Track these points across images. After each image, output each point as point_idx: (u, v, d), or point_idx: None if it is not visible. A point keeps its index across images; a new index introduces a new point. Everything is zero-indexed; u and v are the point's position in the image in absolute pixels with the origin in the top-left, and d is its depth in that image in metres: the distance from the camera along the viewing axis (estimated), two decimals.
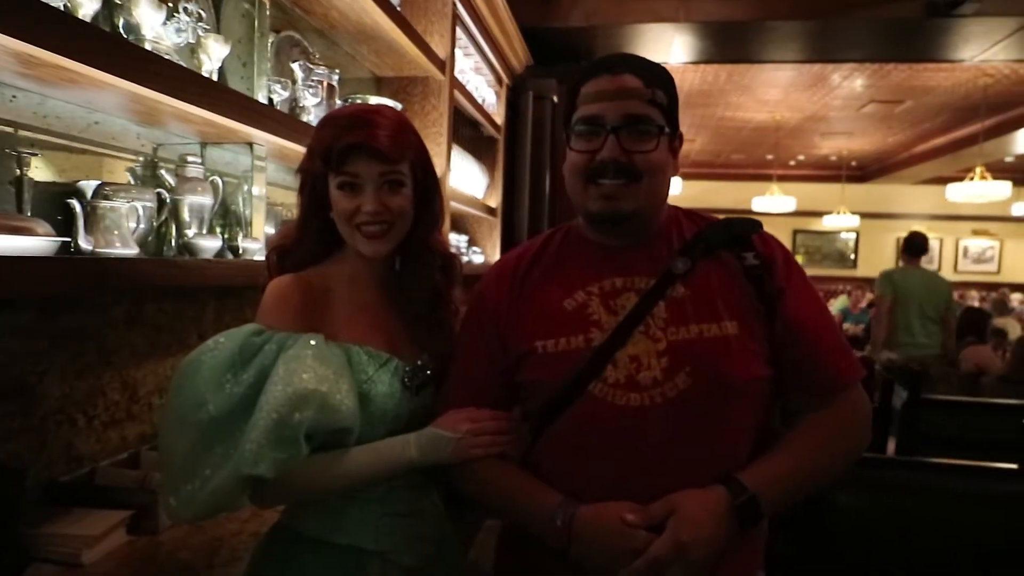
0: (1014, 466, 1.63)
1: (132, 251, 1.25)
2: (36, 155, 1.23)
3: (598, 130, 1.09)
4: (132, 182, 1.44)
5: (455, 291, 1.27)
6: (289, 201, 2.05)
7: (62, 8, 1.09)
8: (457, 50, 2.91)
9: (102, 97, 1.28)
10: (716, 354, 1.06)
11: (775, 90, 7.63)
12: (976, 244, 13.04)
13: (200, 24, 1.48)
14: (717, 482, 1.03)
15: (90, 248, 1.17)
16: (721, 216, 1.21)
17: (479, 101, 3.39)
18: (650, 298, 1.09)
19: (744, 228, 1.16)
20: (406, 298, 1.22)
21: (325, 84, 1.97)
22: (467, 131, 3.47)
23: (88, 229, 1.18)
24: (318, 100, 1.92)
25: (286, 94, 1.82)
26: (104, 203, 1.21)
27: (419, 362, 1.19)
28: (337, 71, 2.05)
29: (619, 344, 1.08)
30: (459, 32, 2.94)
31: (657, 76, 1.11)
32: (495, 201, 3.85)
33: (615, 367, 1.07)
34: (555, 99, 4.32)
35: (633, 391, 1.06)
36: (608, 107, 1.08)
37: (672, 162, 1.15)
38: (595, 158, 1.09)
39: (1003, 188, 8.06)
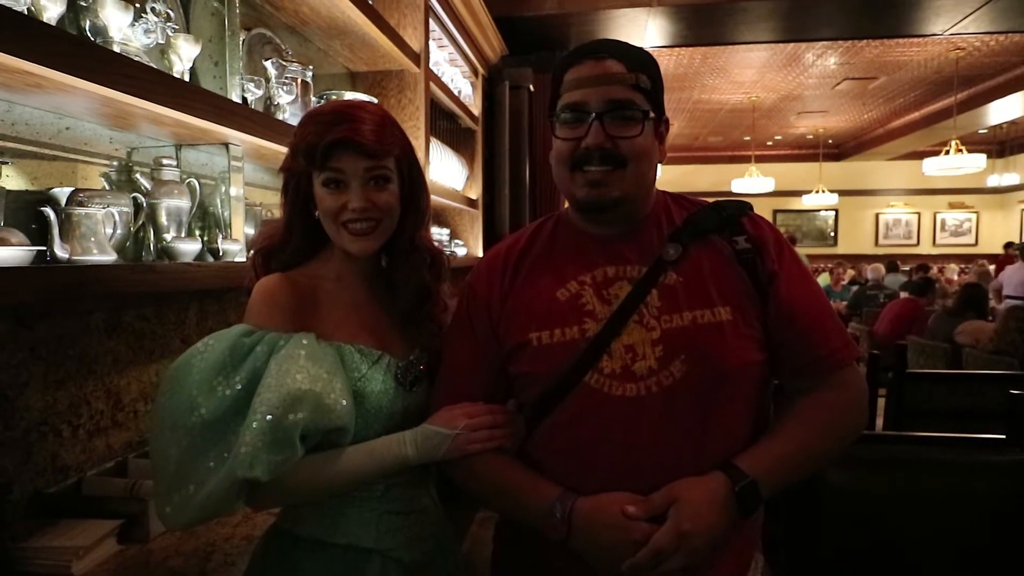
0: (1002, 436, 1.65)
1: (110, 258, 1.22)
2: (6, 163, 1.20)
3: (582, 117, 1.08)
4: (107, 187, 1.42)
5: (443, 287, 1.26)
6: (268, 201, 2.03)
7: (26, 12, 1.07)
8: (431, 42, 2.89)
9: (71, 102, 1.25)
10: (710, 340, 1.06)
11: (750, 71, 7.66)
12: (953, 217, 13.21)
13: (169, 24, 1.45)
14: (716, 469, 1.02)
15: (66, 256, 1.15)
16: (706, 199, 1.21)
17: (455, 93, 3.37)
18: (643, 286, 1.09)
19: (734, 211, 1.15)
20: (394, 295, 1.21)
21: (299, 81, 1.94)
22: (444, 123, 3.45)
23: (63, 237, 1.16)
24: (292, 97, 1.90)
25: (260, 92, 1.79)
26: (79, 210, 1.19)
27: (411, 357, 1.18)
28: (311, 67, 2.02)
29: (614, 334, 1.07)
30: (432, 24, 2.91)
31: (641, 60, 1.10)
32: (475, 193, 3.83)
33: (610, 357, 1.06)
34: (531, 88, 4.30)
35: (629, 381, 1.05)
36: (591, 93, 1.07)
37: (658, 147, 1.14)
38: (580, 145, 1.08)
39: (978, 160, 8.16)
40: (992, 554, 1.49)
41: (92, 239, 1.19)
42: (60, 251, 1.13)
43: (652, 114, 1.10)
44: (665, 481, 1.01)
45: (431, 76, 2.84)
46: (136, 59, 1.27)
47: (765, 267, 1.11)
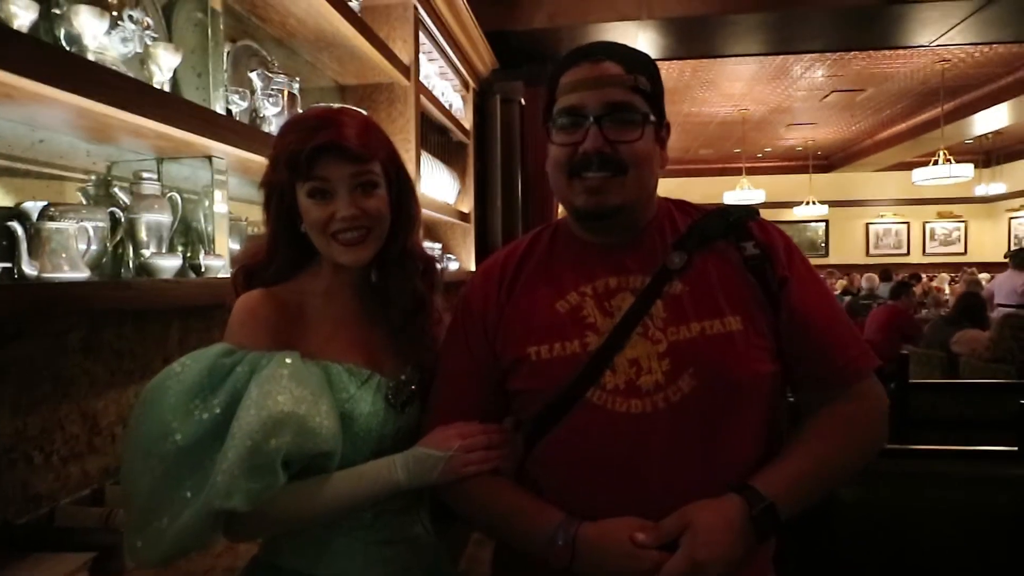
0: (1014, 448, 1.61)
1: (82, 274, 1.16)
2: None
3: (580, 121, 1.03)
4: (85, 203, 1.36)
5: (437, 298, 1.20)
6: (254, 216, 1.97)
7: None
8: (421, 55, 2.86)
9: (45, 113, 1.20)
10: (721, 352, 1.00)
11: (739, 84, 7.70)
12: (942, 226, 13.27)
13: (148, 33, 1.40)
14: (730, 490, 0.96)
15: (35, 273, 1.09)
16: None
17: (446, 106, 3.34)
18: (647, 297, 1.03)
19: (740, 216, 1.10)
20: (386, 308, 1.15)
21: (286, 93, 1.90)
22: (435, 137, 3.41)
23: (32, 253, 1.10)
24: (279, 110, 1.85)
25: (245, 105, 1.74)
26: (49, 224, 1.13)
27: (403, 377, 1.12)
28: (297, 80, 1.98)
29: (617, 347, 1.01)
30: (422, 37, 2.89)
31: (639, 62, 1.05)
32: (467, 207, 3.79)
33: (614, 372, 1.00)
34: (523, 102, 4.29)
35: (634, 397, 0.99)
36: (589, 96, 1.02)
37: (659, 152, 1.09)
38: (577, 150, 1.03)
39: (966, 170, 8.24)
40: (1008, 569, 1.44)
41: (63, 255, 1.14)
42: (28, 268, 1.08)
43: (652, 117, 1.05)
44: (672, 502, 0.95)
45: (421, 89, 2.81)
46: (113, 68, 1.22)
47: (775, 273, 1.05)
